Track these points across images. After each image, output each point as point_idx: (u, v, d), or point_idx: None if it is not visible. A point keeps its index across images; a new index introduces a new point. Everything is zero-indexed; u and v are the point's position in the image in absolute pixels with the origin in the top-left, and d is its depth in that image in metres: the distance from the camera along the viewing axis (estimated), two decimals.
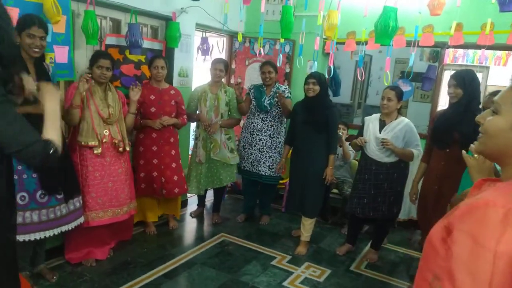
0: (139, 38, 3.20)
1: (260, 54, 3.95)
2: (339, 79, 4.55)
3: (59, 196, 2.59)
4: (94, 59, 2.84)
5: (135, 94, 3.07)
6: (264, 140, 3.80)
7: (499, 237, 0.74)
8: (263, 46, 4.45)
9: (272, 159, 3.82)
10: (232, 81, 4.69)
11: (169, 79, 3.76)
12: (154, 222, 3.69)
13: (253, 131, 3.83)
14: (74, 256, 2.96)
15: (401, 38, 3.62)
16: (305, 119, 3.34)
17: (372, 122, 3.22)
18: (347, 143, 3.89)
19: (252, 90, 3.84)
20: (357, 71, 3.37)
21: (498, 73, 5.88)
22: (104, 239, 3.09)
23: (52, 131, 1.39)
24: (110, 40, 3.24)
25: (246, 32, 4.55)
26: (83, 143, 2.79)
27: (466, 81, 2.74)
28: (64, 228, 2.65)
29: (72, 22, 2.89)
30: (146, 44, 3.48)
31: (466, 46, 3.72)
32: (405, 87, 4.17)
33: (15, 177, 2.35)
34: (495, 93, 2.48)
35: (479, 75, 3.38)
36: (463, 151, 1.52)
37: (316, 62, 3.46)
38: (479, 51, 3.69)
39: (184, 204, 4.30)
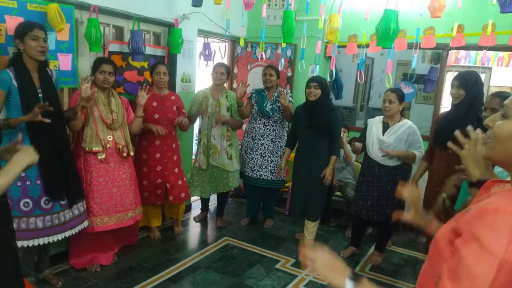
0: (142, 45, 3.23)
1: (262, 58, 3.96)
2: (341, 82, 4.56)
3: (63, 202, 2.61)
4: (96, 65, 2.87)
5: (142, 98, 3.10)
6: (266, 144, 3.82)
7: (508, 244, 0.73)
8: (265, 51, 4.47)
9: (274, 164, 3.83)
10: (234, 85, 4.71)
11: (172, 85, 3.78)
12: (158, 226, 3.70)
13: (255, 135, 3.84)
14: (79, 261, 2.99)
15: (403, 41, 3.63)
16: (307, 123, 3.35)
17: (375, 124, 3.22)
18: (348, 145, 3.90)
19: (254, 95, 3.86)
20: (357, 74, 3.38)
21: (501, 74, 5.86)
22: (108, 245, 3.10)
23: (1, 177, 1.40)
24: (113, 47, 3.27)
25: (248, 37, 4.58)
26: (87, 148, 2.81)
27: (468, 82, 2.74)
28: (68, 233, 2.67)
29: (75, 30, 2.93)
30: (149, 50, 3.51)
31: (467, 47, 3.72)
32: (407, 89, 4.18)
33: (19, 183, 2.38)
34: (497, 93, 2.48)
35: (482, 76, 3.38)
36: (449, 143, 1.42)
37: (318, 66, 3.47)
38: (481, 52, 3.69)
39: (188, 208, 4.32)
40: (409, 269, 3.41)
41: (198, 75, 4.29)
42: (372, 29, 2.98)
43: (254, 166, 3.85)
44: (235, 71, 4.77)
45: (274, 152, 3.84)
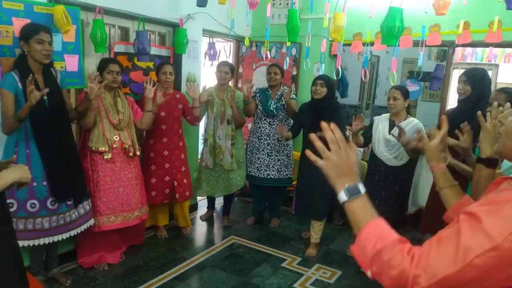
0: (147, 45, 3.25)
1: (266, 57, 3.97)
2: (347, 80, 4.56)
3: (69, 203, 2.63)
4: (103, 65, 2.89)
5: (150, 91, 3.07)
6: (272, 144, 3.82)
7: (510, 234, 0.76)
8: (270, 50, 4.48)
9: (281, 162, 3.84)
10: (239, 85, 4.72)
11: (177, 84, 3.80)
12: (165, 225, 3.73)
13: (261, 135, 3.85)
14: (87, 260, 3.02)
15: (408, 39, 3.62)
16: (312, 122, 3.34)
17: (381, 122, 3.20)
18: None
19: (258, 94, 3.86)
20: (362, 72, 3.37)
21: (508, 70, 5.81)
22: (115, 244, 3.13)
23: None
24: (118, 47, 3.29)
25: (252, 36, 4.59)
26: (93, 148, 2.84)
27: (476, 78, 2.73)
28: (74, 232, 2.69)
29: (81, 31, 2.95)
30: (154, 50, 3.53)
31: (473, 44, 3.69)
32: (413, 87, 4.16)
33: None
34: (502, 89, 2.46)
35: (489, 73, 3.35)
36: (479, 112, 1.45)
37: (323, 64, 3.47)
38: (487, 49, 3.66)
39: (194, 207, 4.34)
40: None
41: (203, 74, 4.30)
42: (377, 27, 2.97)
43: (260, 166, 3.86)
44: (240, 70, 4.78)
45: (281, 151, 3.84)
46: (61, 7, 2.61)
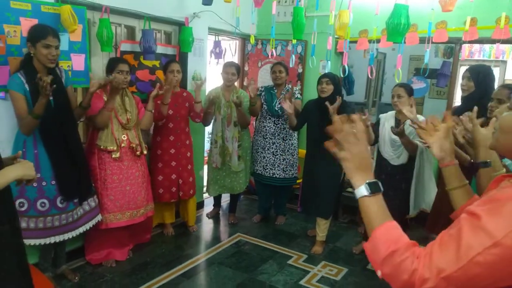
0: (153, 44, 3.27)
1: (272, 55, 3.96)
2: (353, 78, 4.54)
3: (75, 200, 2.67)
4: (113, 65, 2.88)
5: (155, 92, 3.08)
6: (278, 143, 3.83)
7: (510, 231, 0.76)
8: (275, 48, 4.48)
9: (286, 161, 3.84)
10: (245, 83, 4.73)
11: (183, 83, 3.82)
12: (171, 223, 3.76)
13: (266, 134, 3.85)
14: (95, 257, 3.05)
15: (414, 35, 3.60)
16: (319, 120, 3.33)
17: (387, 120, 3.17)
18: None
19: (263, 93, 3.86)
20: (368, 69, 3.36)
21: None
22: (123, 241, 3.16)
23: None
24: (125, 46, 3.32)
25: (258, 34, 4.58)
26: (102, 147, 2.86)
27: (480, 75, 2.71)
28: (82, 229, 2.73)
29: (88, 30, 2.98)
30: (160, 49, 3.55)
31: (480, 40, 3.66)
32: (420, 84, 4.14)
33: (34, 184, 2.41)
34: (506, 85, 2.44)
35: (496, 70, 3.33)
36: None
37: (329, 62, 3.46)
38: (495, 46, 3.63)
39: (201, 205, 4.36)
40: None
41: (209, 73, 4.31)
42: (382, 24, 2.95)
43: (266, 165, 3.87)
44: (246, 68, 4.78)
45: (286, 150, 3.84)
46: (68, 7, 2.64)
